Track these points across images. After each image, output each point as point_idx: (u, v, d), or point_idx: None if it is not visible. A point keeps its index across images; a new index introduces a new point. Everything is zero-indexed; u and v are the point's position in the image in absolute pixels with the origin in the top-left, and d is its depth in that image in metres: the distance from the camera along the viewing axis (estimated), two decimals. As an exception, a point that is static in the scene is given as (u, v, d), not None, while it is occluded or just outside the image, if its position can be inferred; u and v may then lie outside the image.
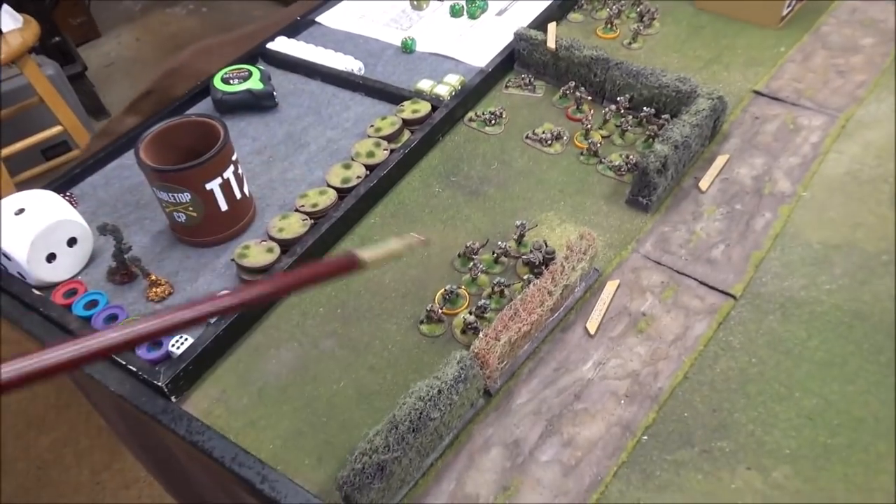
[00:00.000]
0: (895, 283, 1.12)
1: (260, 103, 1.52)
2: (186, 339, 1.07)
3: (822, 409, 0.97)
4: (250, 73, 1.53)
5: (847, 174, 1.31)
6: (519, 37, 1.59)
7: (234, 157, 1.20)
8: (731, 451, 0.94)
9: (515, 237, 1.21)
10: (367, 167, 1.35)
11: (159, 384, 1.00)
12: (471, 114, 1.52)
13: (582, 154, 1.40)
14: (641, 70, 1.42)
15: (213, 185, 1.16)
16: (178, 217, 1.19)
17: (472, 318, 1.09)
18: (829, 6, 1.73)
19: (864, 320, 1.08)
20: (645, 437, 0.96)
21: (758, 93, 1.51)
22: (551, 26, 1.58)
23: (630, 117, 1.44)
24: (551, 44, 1.53)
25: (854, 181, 1.30)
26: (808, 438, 0.94)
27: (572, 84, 1.52)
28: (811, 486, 0.89)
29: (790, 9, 1.70)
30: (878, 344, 1.04)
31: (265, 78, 1.55)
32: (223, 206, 1.20)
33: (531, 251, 1.18)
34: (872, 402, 0.98)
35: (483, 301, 1.11)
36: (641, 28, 1.69)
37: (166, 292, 1.16)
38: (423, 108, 1.47)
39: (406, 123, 1.46)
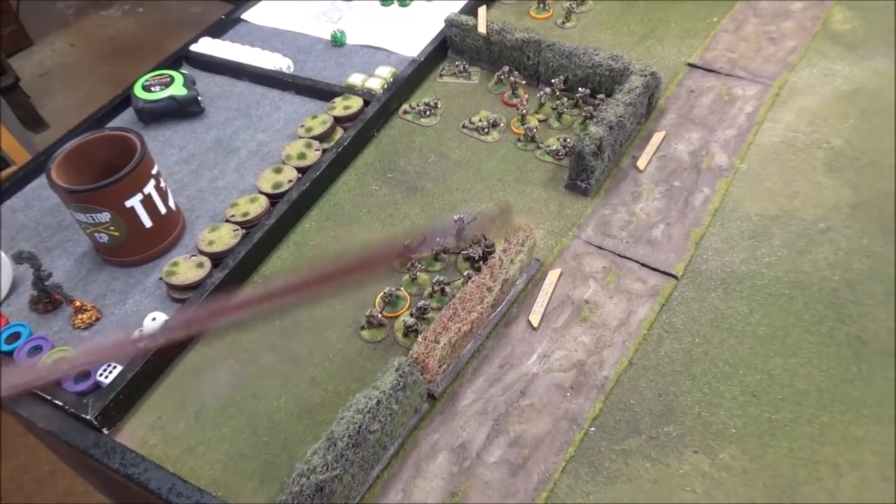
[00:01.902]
0: (833, 250, 1.12)
1: (185, 109, 1.46)
2: (115, 368, 1.02)
3: (766, 385, 0.97)
4: (172, 79, 1.46)
5: (782, 143, 1.31)
6: (450, 23, 1.55)
7: (154, 171, 1.15)
8: (678, 436, 0.93)
9: (454, 232, 1.18)
10: (300, 170, 1.31)
11: (88, 417, 0.95)
12: (405, 106, 1.48)
13: (519, 140, 1.38)
14: (574, 50, 1.40)
15: (134, 202, 1.11)
16: (101, 238, 1.14)
17: (412, 320, 1.06)
18: (759, -28, 1.72)
19: (804, 290, 1.07)
20: (592, 429, 0.95)
21: (692, 65, 1.50)
22: (482, 10, 1.55)
23: (565, 99, 1.42)
24: (482, 29, 1.49)
25: (789, 149, 1.29)
26: (753, 416, 0.94)
27: (506, 69, 1.49)
28: (758, 465, 0.89)
29: (721, -23, 1.68)
30: (818, 314, 1.04)
31: (189, 82, 1.49)
32: (147, 223, 1.15)
33: (471, 246, 1.15)
34: (815, 374, 0.97)
35: (423, 302, 1.08)
36: (574, 6, 1.67)
37: (93, 318, 1.11)
38: (355, 103, 1.43)
39: (338, 121, 1.42)
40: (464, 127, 1.40)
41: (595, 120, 1.23)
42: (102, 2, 4.94)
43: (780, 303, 1.05)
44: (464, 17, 1.52)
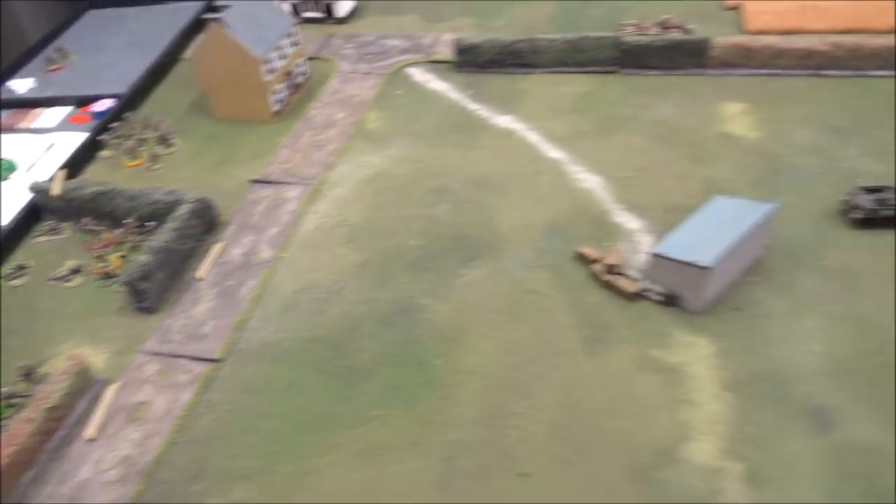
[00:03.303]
0: (344, 304, 3.36)
1: None
2: None
3: (279, 426, 5.59)
4: None
5: (316, 228, 6.37)
6: (33, 189, 4.03)
7: None
8: (203, 490, 4.50)
9: (20, 378, 3.10)
10: None
11: None
12: (-2, 273, 3.35)
13: (98, 279, 3.59)
14: (139, 192, 6.31)
15: None
16: None
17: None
18: (318, 92, 4.45)
19: (319, 342, 6.15)
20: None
21: (255, 181, 4.77)
22: (59, 174, 4.66)
23: (138, 235, 3.50)
24: (56, 191, 4.71)
25: (321, 232, 6.40)
26: (268, 453, 5.63)
27: (86, 219, 3.72)
28: (266, 492, 5.52)
29: (282, 104, 5.38)
30: (326, 357, 6.87)
31: None
32: None
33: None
34: (318, 405, 6.72)
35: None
36: (161, 150, 5.11)
37: None
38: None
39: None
40: (50, 280, 4.23)
41: (144, 249, 3.24)
42: None
43: (300, 357, 5.76)
44: (45, 183, 3.80)
